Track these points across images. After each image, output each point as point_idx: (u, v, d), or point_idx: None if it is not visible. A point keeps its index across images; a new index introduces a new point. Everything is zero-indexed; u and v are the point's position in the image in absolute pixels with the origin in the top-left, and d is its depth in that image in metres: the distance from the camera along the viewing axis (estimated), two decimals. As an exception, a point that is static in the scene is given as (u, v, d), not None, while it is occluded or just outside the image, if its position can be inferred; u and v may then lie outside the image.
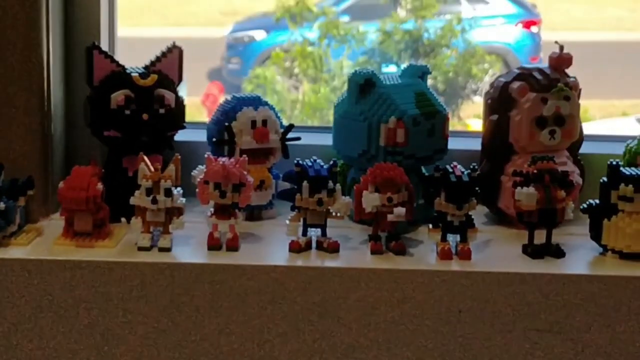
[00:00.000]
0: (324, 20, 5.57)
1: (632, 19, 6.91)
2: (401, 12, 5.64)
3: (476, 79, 5.34)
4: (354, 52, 5.51)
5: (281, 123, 1.51)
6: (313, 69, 5.47)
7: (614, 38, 6.67)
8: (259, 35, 6.13)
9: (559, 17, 6.67)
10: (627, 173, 1.37)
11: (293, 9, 5.59)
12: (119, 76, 1.46)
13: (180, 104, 1.49)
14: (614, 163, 1.38)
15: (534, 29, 5.86)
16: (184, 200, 1.39)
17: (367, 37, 5.54)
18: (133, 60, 1.51)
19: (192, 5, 7.24)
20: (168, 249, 1.37)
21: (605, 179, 1.38)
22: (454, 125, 5.32)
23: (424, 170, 1.48)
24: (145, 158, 1.38)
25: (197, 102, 5.46)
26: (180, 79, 1.51)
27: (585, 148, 1.56)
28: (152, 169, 1.37)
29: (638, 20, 6.91)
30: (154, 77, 1.46)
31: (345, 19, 5.78)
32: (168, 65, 1.49)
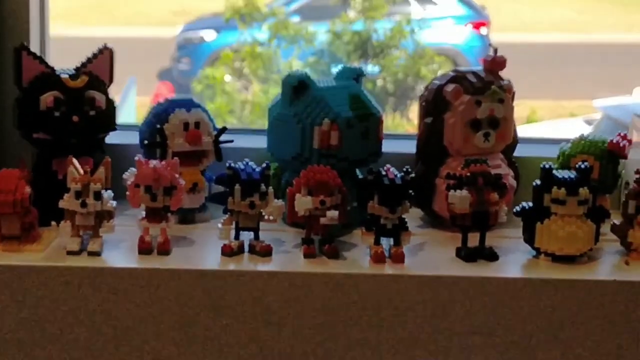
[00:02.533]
0: (273, 21, 5.56)
1: (581, 20, 6.97)
2: (351, 13, 5.65)
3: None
4: (304, 52, 5.50)
5: (214, 125, 1.50)
6: (263, 70, 5.46)
7: (562, 39, 6.72)
8: (209, 35, 6.11)
9: (508, 18, 6.72)
10: (560, 176, 1.37)
11: (242, 9, 5.58)
12: (48, 77, 1.44)
13: (111, 105, 1.48)
14: (547, 166, 1.38)
15: (483, 30, 5.89)
16: (114, 203, 1.37)
17: (316, 38, 5.54)
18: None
19: (143, 4, 7.20)
20: (98, 253, 1.35)
21: (538, 181, 1.38)
22: (403, 126, 5.33)
23: (358, 173, 1.47)
24: (75, 161, 1.36)
25: (147, 102, 5.44)
26: (111, 80, 1.49)
27: (520, 151, 1.56)
28: (82, 171, 1.35)
29: (586, 22, 6.97)
30: (84, 79, 1.44)
31: (295, 19, 5.77)
32: (99, 66, 1.47)
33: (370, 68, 5.50)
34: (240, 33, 5.64)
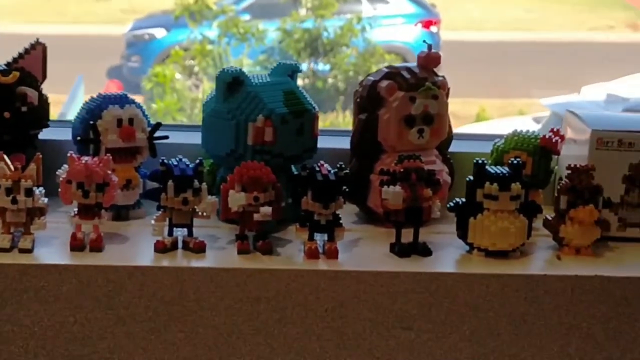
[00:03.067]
0: (223, 19, 5.55)
1: (529, 19, 7.02)
2: (301, 11, 5.66)
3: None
4: (254, 50, 5.50)
5: (148, 122, 1.49)
6: (213, 68, 5.45)
7: (512, 38, 6.77)
8: (159, 33, 6.09)
9: (458, 16, 6.75)
10: (492, 171, 1.38)
11: (192, 7, 5.57)
12: (-21, 73, 1.43)
13: (44, 101, 1.46)
14: (480, 161, 1.38)
15: (433, 28, 5.93)
16: (46, 200, 1.36)
17: (266, 36, 5.54)
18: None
19: (92, 2, 7.15)
20: (29, 250, 1.34)
21: (471, 177, 1.39)
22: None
23: (293, 169, 1.47)
24: (5, 157, 1.35)
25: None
26: (44, 77, 1.48)
27: (455, 147, 1.57)
28: (12, 168, 1.34)
29: (535, 20, 7.02)
30: (15, 75, 1.43)
31: (245, 17, 5.77)
32: (31, 62, 1.46)
33: (322, 66, 5.51)
34: (190, 31, 5.63)
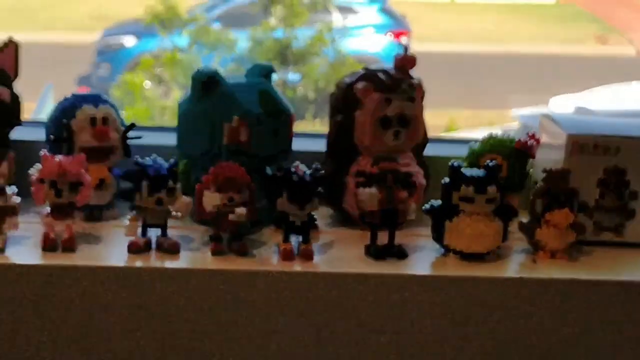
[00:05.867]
0: (194, 27, 5.55)
1: (498, 32, 7.06)
2: (272, 21, 5.66)
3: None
4: (224, 59, 5.49)
5: (122, 121, 1.48)
6: (183, 76, 5.44)
7: (482, 50, 6.80)
8: (129, 41, 6.07)
9: (428, 28, 6.78)
10: (468, 174, 1.37)
11: (163, 15, 5.55)
12: (-49, 71, 1.41)
13: (15, 100, 1.45)
14: (455, 164, 1.38)
15: (403, 39, 5.93)
16: (18, 199, 1.34)
17: (237, 45, 5.53)
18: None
19: (62, 9, 7.12)
20: (1, 250, 1.32)
21: (446, 179, 1.38)
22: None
23: (268, 170, 1.46)
24: (-23, 155, 1.33)
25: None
26: (16, 74, 1.46)
27: (430, 150, 1.56)
28: (-16, 166, 1.33)
29: (505, 33, 7.06)
30: (-13, 72, 1.42)
31: (216, 26, 5.77)
32: (3, 60, 1.44)
33: (292, 76, 5.51)
34: (160, 39, 5.62)
